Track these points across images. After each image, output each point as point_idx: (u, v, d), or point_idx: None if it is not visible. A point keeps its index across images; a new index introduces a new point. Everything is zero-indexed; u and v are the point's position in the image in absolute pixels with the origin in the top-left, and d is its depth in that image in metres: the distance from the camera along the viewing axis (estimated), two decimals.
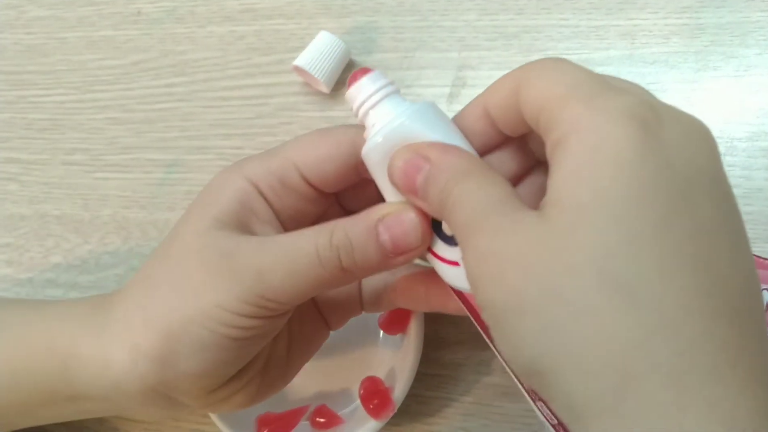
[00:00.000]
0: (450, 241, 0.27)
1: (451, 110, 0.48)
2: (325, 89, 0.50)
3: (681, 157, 0.21)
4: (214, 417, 0.40)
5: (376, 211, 0.28)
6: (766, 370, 0.20)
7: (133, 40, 0.57)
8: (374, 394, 0.39)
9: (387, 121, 0.27)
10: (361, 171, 0.30)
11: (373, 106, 0.28)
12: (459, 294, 0.29)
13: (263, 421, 0.41)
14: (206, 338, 0.27)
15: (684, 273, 0.20)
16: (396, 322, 0.41)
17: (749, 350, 0.20)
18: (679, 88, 0.44)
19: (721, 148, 0.42)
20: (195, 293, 0.27)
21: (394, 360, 0.41)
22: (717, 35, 0.45)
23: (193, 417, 0.46)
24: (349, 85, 0.28)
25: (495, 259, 0.22)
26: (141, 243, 0.51)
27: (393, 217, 0.27)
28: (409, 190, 0.26)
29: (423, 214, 0.27)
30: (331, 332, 0.36)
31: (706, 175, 0.21)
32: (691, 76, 0.44)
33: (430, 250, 0.28)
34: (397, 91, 0.29)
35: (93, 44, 0.58)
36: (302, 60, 0.49)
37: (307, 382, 0.43)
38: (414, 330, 0.39)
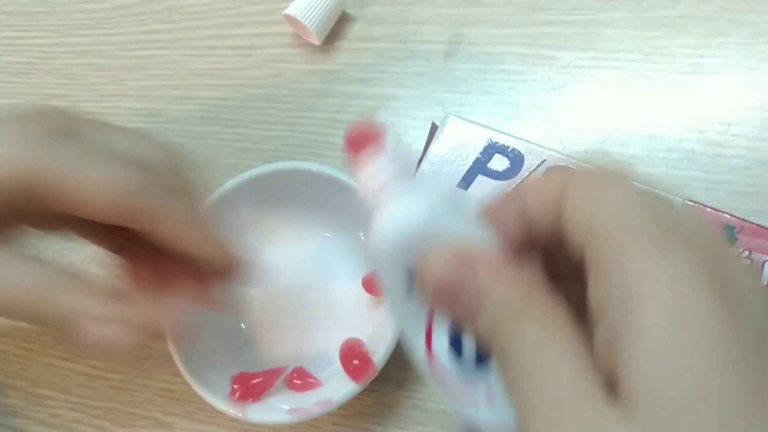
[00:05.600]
0: (472, 367, 0.23)
1: (447, 68, 0.46)
2: (316, 41, 0.48)
3: (758, 316, 0.19)
4: (187, 376, 0.38)
5: None
6: None
7: None
8: (354, 355, 0.37)
9: (408, 212, 0.23)
10: None
11: (391, 194, 0.23)
12: None
13: (238, 381, 0.39)
14: None
15: None
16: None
17: None
18: (686, 54, 0.42)
19: (727, 118, 0.41)
20: None
21: (377, 323, 0.39)
22: (727, 0, 0.43)
23: (164, 376, 0.44)
24: (351, 149, 0.24)
25: None
26: None
27: None
28: (449, 305, 0.22)
29: None
30: (312, 292, 0.34)
31: None
32: (698, 41, 0.42)
33: (431, 364, 0.24)
34: (413, 171, 0.25)
35: None
36: (294, 9, 0.47)
37: (286, 343, 0.41)
38: None
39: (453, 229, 0.22)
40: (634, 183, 0.21)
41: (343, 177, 0.40)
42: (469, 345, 0.23)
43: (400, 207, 0.23)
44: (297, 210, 0.43)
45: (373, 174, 0.23)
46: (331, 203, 0.41)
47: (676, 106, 0.41)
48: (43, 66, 0.54)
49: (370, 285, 0.40)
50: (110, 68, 0.53)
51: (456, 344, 0.23)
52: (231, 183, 0.42)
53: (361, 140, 0.23)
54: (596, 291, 0.20)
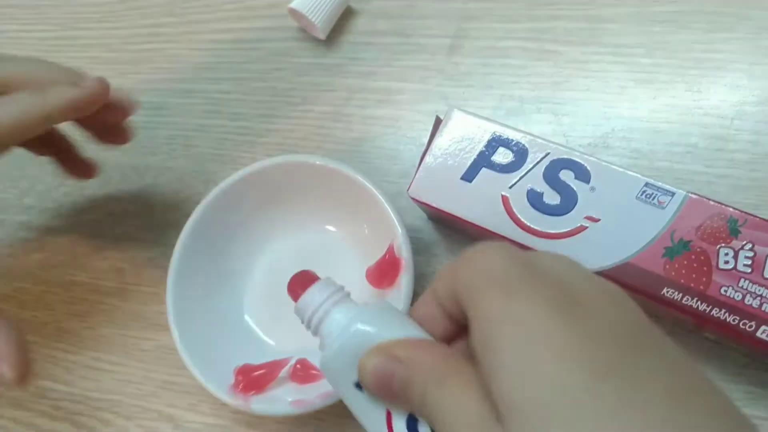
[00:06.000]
0: None
1: (451, 62, 0.46)
2: (321, 35, 0.48)
3: (606, 324, 0.22)
4: (191, 368, 0.38)
5: None
6: None
7: None
8: None
9: (342, 327, 0.26)
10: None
11: (326, 315, 0.27)
12: None
13: (241, 373, 0.39)
14: None
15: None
16: (384, 275, 0.39)
17: None
18: (689, 48, 0.42)
19: (730, 113, 0.41)
20: None
21: None
22: None
23: (168, 369, 0.44)
24: (293, 293, 0.29)
25: None
26: (120, 187, 0.49)
27: None
28: (386, 395, 0.26)
29: None
30: None
31: (637, 335, 0.22)
32: (701, 36, 0.43)
33: None
34: (347, 296, 0.28)
35: None
36: (298, 3, 0.47)
37: (289, 335, 0.41)
38: (404, 284, 0.38)
39: (385, 333, 0.26)
40: (508, 249, 0.24)
41: (345, 170, 0.40)
42: (423, 429, 0.26)
43: (335, 326, 0.27)
44: (300, 203, 0.43)
45: (309, 301, 0.28)
46: (334, 196, 0.41)
47: (679, 101, 0.42)
48: (48, 59, 0.54)
49: (373, 277, 0.40)
50: (114, 62, 0.53)
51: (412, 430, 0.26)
52: (234, 177, 0.42)
53: (300, 284, 0.29)
54: (471, 341, 0.23)
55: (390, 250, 0.39)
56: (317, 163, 0.41)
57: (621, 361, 0.21)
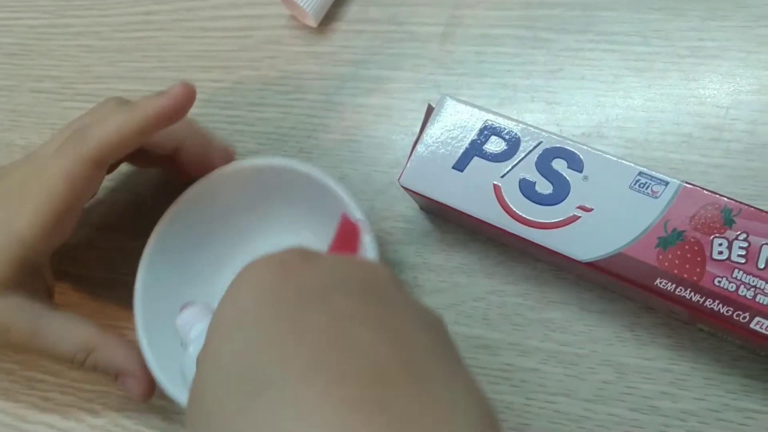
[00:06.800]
0: None
1: (444, 50, 0.45)
2: (313, 23, 0.47)
3: (306, 278, 0.24)
4: (164, 383, 0.38)
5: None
6: None
7: None
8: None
9: (198, 334, 0.31)
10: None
11: (192, 328, 0.32)
12: None
13: None
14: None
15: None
16: (344, 245, 0.38)
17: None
18: (685, 36, 0.42)
19: (725, 102, 0.40)
20: None
21: None
22: None
23: None
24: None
25: None
26: (110, 176, 0.48)
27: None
28: None
29: None
30: None
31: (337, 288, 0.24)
32: (697, 24, 0.42)
33: None
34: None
35: None
36: None
37: None
38: (368, 245, 0.37)
39: None
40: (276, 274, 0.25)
41: (317, 174, 0.39)
42: None
43: (193, 334, 0.32)
44: (273, 207, 0.42)
45: (183, 323, 0.32)
46: (307, 200, 0.41)
47: (675, 90, 0.41)
48: (38, 47, 0.54)
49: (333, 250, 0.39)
50: (105, 50, 0.52)
51: None
52: (205, 180, 0.41)
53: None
54: None
55: (343, 217, 0.38)
56: (288, 166, 0.40)
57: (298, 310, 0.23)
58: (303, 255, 0.25)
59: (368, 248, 0.37)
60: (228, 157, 0.43)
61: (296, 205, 0.41)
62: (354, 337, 0.22)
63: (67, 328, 0.39)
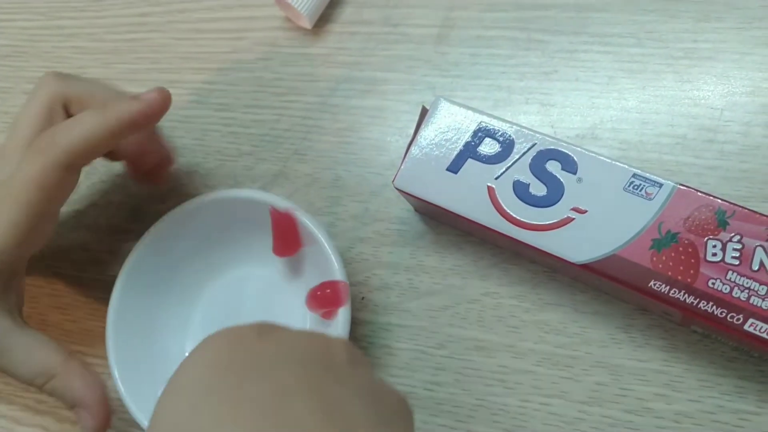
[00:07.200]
0: None
1: (438, 52, 0.45)
2: (308, 24, 0.47)
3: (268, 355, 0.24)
4: (136, 415, 0.38)
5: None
6: None
7: None
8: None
9: None
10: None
11: None
12: None
13: None
14: None
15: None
16: (325, 304, 0.39)
17: None
18: (679, 38, 0.42)
19: (719, 103, 0.40)
20: None
21: None
22: None
23: None
24: None
25: None
26: (104, 178, 0.48)
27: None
28: None
29: None
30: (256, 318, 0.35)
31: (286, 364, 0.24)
32: (691, 26, 0.42)
33: None
34: None
35: None
36: None
37: None
38: (341, 316, 0.37)
39: None
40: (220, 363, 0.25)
41: (277, 201, 0.39)
42: None
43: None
44: (244, 237, 0.42)
45: None
46: (269, 228, 0.41)
47: (669, 92, 0.41)
48: (31, 49, 0.54)
49: (313, 303, 0.39)
50: (98, 51, 0.52)
51: None
52: (176, 211, 0.41)
53: None
54: None
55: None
56: (247, 196, 0.40)
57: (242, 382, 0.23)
58: (260, 329, 0.26)
59: (340, 319, 0.37)
60: (164, 154, 0.44)
61: (267, 235, 0.41)
62: (288, 407, 0.22)
63: (31, 351, 0.37)
